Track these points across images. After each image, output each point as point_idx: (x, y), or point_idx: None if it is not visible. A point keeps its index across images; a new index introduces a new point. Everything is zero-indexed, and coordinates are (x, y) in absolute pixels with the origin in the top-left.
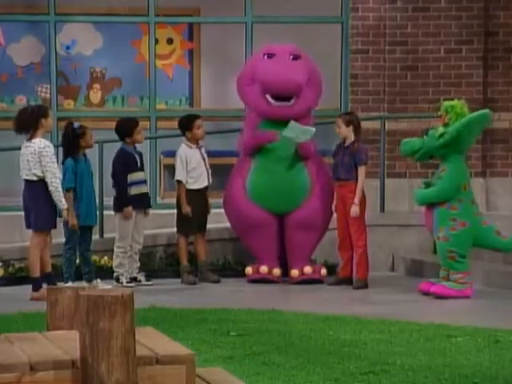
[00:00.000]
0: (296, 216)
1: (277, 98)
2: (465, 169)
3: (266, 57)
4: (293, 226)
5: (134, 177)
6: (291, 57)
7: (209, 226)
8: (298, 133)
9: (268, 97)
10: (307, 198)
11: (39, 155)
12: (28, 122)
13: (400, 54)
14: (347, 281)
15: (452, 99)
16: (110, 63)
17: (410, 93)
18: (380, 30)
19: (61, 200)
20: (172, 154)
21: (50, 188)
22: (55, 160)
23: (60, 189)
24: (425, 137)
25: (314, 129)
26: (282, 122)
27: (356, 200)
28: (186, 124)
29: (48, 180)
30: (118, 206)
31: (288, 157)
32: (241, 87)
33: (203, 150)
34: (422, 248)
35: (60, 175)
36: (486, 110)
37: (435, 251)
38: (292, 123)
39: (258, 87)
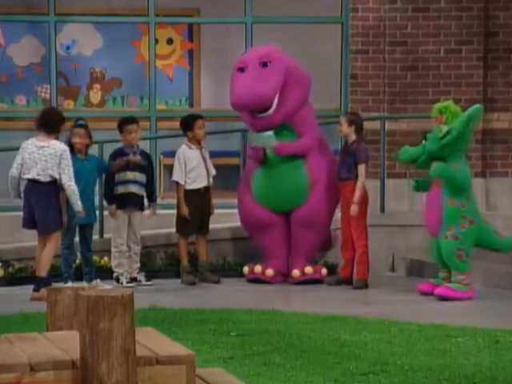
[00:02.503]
0: (297, 215)
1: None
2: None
3: (237, 71)
4: (295, 225)
5: (121, 176)
6: (260, 65)
7: (209, 226)
8: (262, 140)
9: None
10: (308, 197)
11: (60, 157)
12: (55, 122)
13: (400, 55)
14: (347, 281)
15: (448, 100)
16: (110, 63)
17: (409, 93)
18: (380, 31)
19: (78, 203)
20: (172, 154)
21: (69, 192)
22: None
23: (77, 192)
24: (423, 141)
25: (270, 133)
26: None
27: (355, 199)
28: (188, 123)
29: (66, 183)
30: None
31: (286, 158)
32: None
33: (205, 150)
34: (422, 248)
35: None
36: (478, 105)
37: (431, 252)
38: (254, 136)
39: None
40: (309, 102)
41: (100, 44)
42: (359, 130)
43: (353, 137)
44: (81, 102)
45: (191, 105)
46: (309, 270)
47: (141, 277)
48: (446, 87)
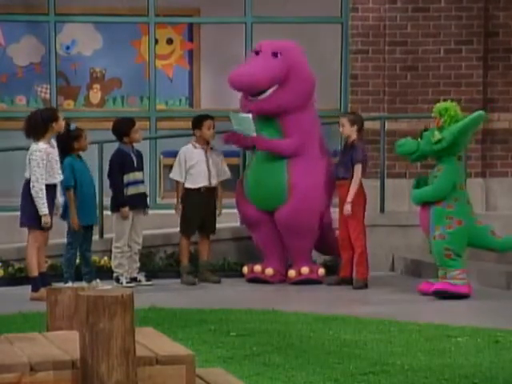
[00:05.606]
0: (278, 216)
1: (250, 93)
2: (460, 169)
3: (252, 53)
4: (278, 226)
5: (130, 177)
6: (272, 54)
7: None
8: (240, 123)
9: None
10: (287, 198)
11: (29, 157)
12: (37, 128)
13: (400, 55)
14: (347, 281)
15: (450, 100)
16: (110, 63)
17: (409, 93)
18: (380, 30)
19: (40, 206)
20: (172, 154)
21: (31, 192)
22: (43, 165)
23: (41, 195)
24: (419, 139)
25: (249, 115)
26: (264, 118)
27: (349, 198)
28: (196, 123)
29: (31, 184)
30: (115, 207)
31: (269, 157)
32: None
33: (214, 151)
34: (421, 248)
35: (43, 181)
36: (481, 112)
37: (430, 251)
38: (231, 115)
39: None
40: (310, 106)
41: (100, 44)
42: (360, 129)
43: (354, 136)
44: (81, 102)
45: (191, 105)
46: (305, 270)
47: (141, 277)
48: (446, 87)
